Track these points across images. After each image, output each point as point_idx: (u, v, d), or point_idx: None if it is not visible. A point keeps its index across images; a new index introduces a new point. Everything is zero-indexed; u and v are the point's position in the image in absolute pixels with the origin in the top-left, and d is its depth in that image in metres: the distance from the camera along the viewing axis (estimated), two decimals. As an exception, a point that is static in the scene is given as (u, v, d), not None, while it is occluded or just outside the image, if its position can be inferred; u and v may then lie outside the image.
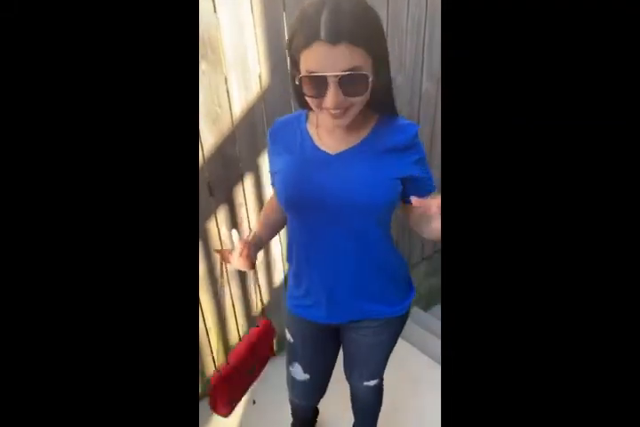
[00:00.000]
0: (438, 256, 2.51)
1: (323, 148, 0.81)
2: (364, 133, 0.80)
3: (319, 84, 0.66)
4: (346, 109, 0.70)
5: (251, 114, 1.35)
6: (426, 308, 2.57)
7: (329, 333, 1.04)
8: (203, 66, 1.20)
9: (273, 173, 0.92)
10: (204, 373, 1.59)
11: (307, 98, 0.71)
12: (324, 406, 1.36)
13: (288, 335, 1.07)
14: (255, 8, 1.24)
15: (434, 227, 0.73)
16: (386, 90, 0.76)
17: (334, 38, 0.61)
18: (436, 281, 2.59)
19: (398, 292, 0.97)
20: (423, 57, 1.83)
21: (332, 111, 0.69)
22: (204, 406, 1.59)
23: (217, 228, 1.42)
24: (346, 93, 0.66)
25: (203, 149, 1.28)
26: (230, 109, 1.30)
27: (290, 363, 1.10)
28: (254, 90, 1.33)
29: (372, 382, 1.13)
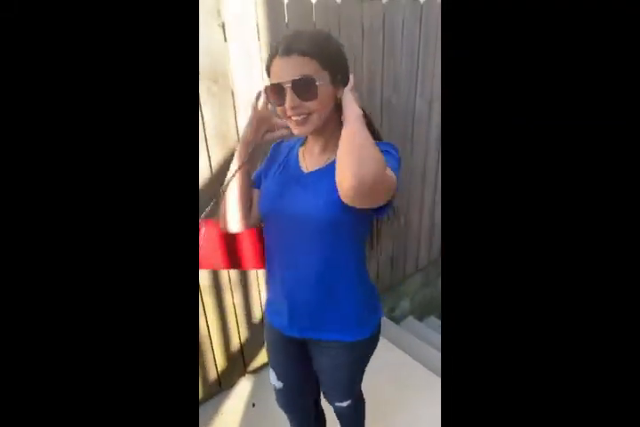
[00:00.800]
0: (431, 268, 2.60)
1: (302, 167, 0.90)
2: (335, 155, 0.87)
3: (279, 91, 0.76)
4: (306, 117, 0.78)
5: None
6: (420, 318, 2.64)
7: (296, 343, 1.03)
8: (214, 88, 1.31)
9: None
10: (205, 376, 1.66)
11: (276, 109, 0.80)
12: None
13: (266, 341, 1.10)
14: (262, 37, 1.36)
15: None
16: None
17: (286, 52, 0.73)
18: (430, 292, 2.68)
19: (362, 314, 0.95)
20: (417, 79, 1.96)
21: (294, 118, 0.78)
22: (204, 409, 1.66)
23: (222, 237, 1.51)
24: (300, 97, 0.75)
25: (211, 164, 1.39)
26: (237, 127, 1.42)
27: (270, 369, 1.12)
28: (259, 110, 1.44)
29: (345, 403, 1.11)
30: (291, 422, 1.25)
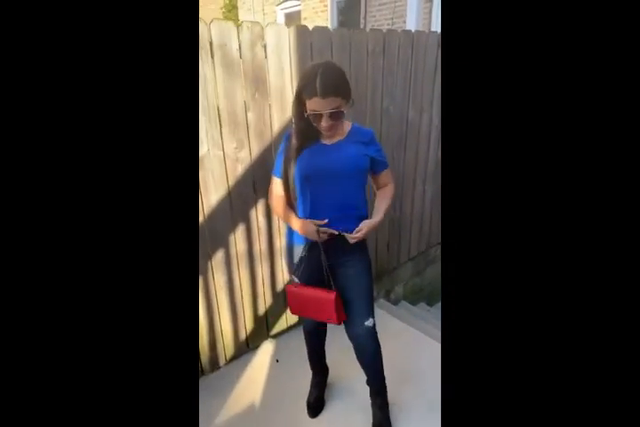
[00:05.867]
0: (421, 258, 2.95)
1: (323, 142, 1.36)
2: (344, 133, 1.37)
3: (318, 116, 1.23)
4: (334, 128, 1.28)
5: (285, 130, 1.82)
6: (413, 304, 2.98)
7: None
8: (256, 95, 1.67)
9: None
10: (236, 338, 1.96)
11: (314, 124, 1.27)
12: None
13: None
14: (292, 56, 1.74)
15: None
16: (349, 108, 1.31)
17: (324, 95, 1.18)
18: (420, 281, 3.03)
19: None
20: (409, 93, 2.36)
21: (326, 132, 1.28)
22: (236, 364, 1.96)
23: (256, 216, 1.84)
24: (332, 120, 1.24)
25: (251, 155, 1.73)
26: (271, 127, 1.77)
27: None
28: (288, 113, 1.80)
29: (371, 322, 1.48)
30: (308, 344, 1.67)
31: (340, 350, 1.71)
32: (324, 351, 1.75)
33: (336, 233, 1.34)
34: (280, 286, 2.07)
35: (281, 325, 2.16)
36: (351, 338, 1.48)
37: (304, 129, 1.32)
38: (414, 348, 2.09)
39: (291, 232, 1.47)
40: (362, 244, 1.43)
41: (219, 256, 1.78)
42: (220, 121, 1.60)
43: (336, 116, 1.22)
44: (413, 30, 2.26)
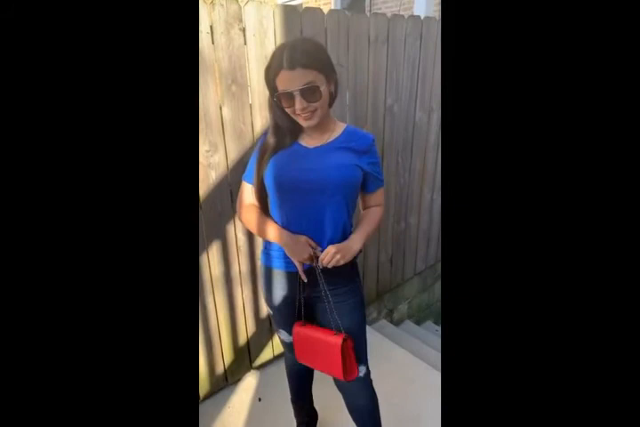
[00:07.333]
0: (429, 273, 2.66)
1: (304, 145, 1.07)
2: (334, 136, 1.07)
3: (289, 97, 0.94)
4: (312, 113, 0.97)
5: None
6: (418, 323, 2.69)
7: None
8: (233, 88, 1.39)
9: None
10: (213, 371, 1.68)
11: (285, 109, 0.98)
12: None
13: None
14: (278, 41, 1.46)
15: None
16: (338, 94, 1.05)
17: (291, 66, 0.89)
18: (427, 297, 2.74)
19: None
20: (417, 91, 2.07)
21: (302, 114, 0.96)
22: (212, 402, 1.67)
23: (234, 232, 1.57)
24: (307, 100, 0.94)
25: (227, 160, 1.46)
26: (252, 125, 1.50)
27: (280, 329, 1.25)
28: (273, 111, 1.53)
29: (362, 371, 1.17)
30: (291, 386, 1.43)
31: (329, 390, 1.43)
32: (310, 394, 1.47)
33: (320, 268, 1.04)
34: (264, 311, 1.79)
35: (266, 354, 1.88)
36: (339, 389, 1.20)
37: (280, 121, 1.04)
38: (415, 384, 1.80)
39: (267, 252, 1.16)
40: (351, 269, 1.11)
41: (189, 279, 1.50)
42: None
43: (311, 93, 0.92)
44: (422, 16, 1.98)
